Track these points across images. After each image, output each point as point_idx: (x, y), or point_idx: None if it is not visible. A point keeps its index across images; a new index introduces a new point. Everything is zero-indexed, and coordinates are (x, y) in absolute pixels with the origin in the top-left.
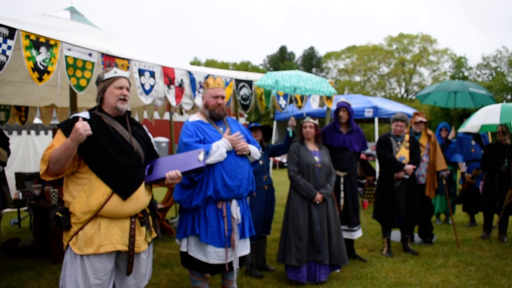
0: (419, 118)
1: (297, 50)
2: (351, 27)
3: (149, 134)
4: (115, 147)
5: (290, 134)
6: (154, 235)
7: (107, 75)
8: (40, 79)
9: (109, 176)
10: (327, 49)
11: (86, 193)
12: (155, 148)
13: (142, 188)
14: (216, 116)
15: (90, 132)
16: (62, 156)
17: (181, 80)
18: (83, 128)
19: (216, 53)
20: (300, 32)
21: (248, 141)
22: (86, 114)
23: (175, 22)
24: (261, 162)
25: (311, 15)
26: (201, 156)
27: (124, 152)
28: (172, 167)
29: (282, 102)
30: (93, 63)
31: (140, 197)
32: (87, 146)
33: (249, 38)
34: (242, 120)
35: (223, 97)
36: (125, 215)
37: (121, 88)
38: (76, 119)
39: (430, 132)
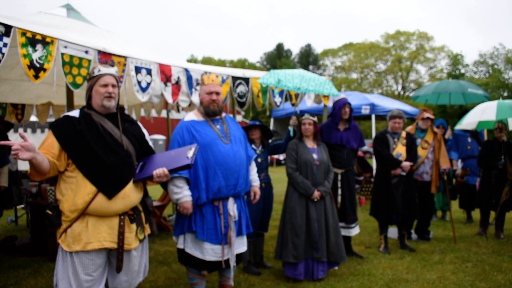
0: (426, 115)
1: (294, 48)
2: (347, 24)
3: (144, 130)
4: (102, 146)
5: (291, 133)
6: (148, 232)
7: (93, 74)
8: (36, 76)
9: (94, 175)
10: (324, 46)
11: (73, 191)
12: (151, 144)
13: (130, 186)
14: (210, 112)
15: (23, 157)
16: (30, 163)
17: (178, 78)
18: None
19: (212, 51)
20: (297, 29)
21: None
22: (76, 113)
23: (171, 21)
24: (259, 160)
25: (308, 12)
26: (190, 153)
27: (111, 150)
28: (162, 164)
29: (278, 99)
30: (89, 61)
31: (128, 195)
32: (74, 145)
33: (246, 36)
34: (239, 118)
35: (217, 93)
36: (113, 213)
37: (105, 85)
38: (67, 118)
39: (436, 129)
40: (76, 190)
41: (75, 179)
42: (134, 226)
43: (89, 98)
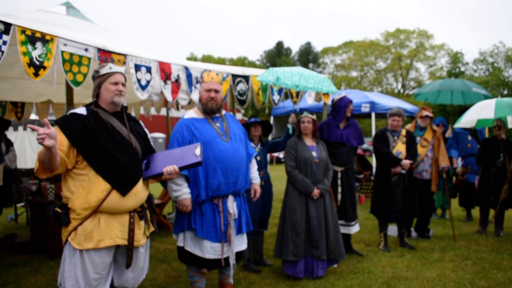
0: (425, 113)
1: (294, 46)
2: (346, 24)
3: (146, 129)
4: (113, 143)
5: (290, 131)
6: (152, 229)
7: (102, 71)
8: (36, 74)
9: (108, 173)
10: (324, 45)
11: (85, 189)
12: (152, 143)
13: (140, 184)
14: (208, 110)
15: (47, 144)
16: (45, 157)
17: (178, 76)
18: (40, 132)
19: (212, 49)
20: (297, 28)
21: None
22: (83, 110)
23: (170, 20)
24: (258, 158)
25: (307, 11)
26: (198, 151)
27: (122, 148)
28: (169, 162)
29: (276, 97)
30: (89, 58)
31: (139, 192)
32: (85, 142)
33: (245, 34)
34: (239, 116)
35: (216, 91)
36: (125, 210)
37: (116, 83)
38: (74, 115)
39: (435, 127)
40: (88, 188)
41: (86, 177)
42: (142, 223)
43: (96, 95)
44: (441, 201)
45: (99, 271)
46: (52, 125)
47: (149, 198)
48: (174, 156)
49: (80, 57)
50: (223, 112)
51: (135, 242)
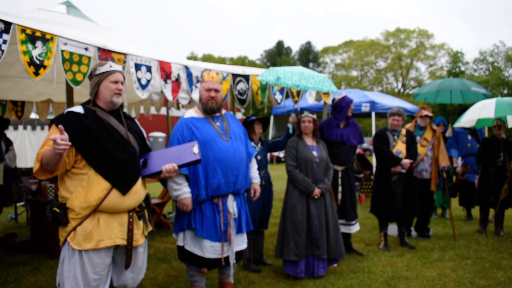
0: (425, 112)
1: (294, 45)
2: (345, 23)
3: (142, 128)
4: (112, 142)
5: (290, 130)
6: (150, 228)
7: (101, 69)
8: (36, 73)
9: (108, 171)
10: (324, 44)
11: (85, 188)
12: (148, 142)
13: (139, 182)
14: (208, 109)
15: (65, 147)
16: (51, 159)
17: (178, 75)
18: (60, 142)
19: (212, 49)
20: (297, 27)
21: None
22: (80, 109)
23: (169, 20)
24: (259, 157)
25: (307, 11)
26: (196, 149)
27: (121, 147)
28: (167, 161)
29: (278, 96)
30: (89, 58)
31: (138, 191)
32: (84, 141)
33: (245, 34)
34: (239, 115)
35: (216, 90)
36: (124, 209)
37: (116, 82)
38: (71, 113)
39: (435, 126)
40: (88, 187)
41: (85, 176)
42: (141, 222)
43: (95, 94)
44: (441, 201)
45: (99, 271)
46: (51, 124)
47: (147, 197)
48: (172, 155)
49: (80, 56)
50: (223, 111)
51: (134, 242)
